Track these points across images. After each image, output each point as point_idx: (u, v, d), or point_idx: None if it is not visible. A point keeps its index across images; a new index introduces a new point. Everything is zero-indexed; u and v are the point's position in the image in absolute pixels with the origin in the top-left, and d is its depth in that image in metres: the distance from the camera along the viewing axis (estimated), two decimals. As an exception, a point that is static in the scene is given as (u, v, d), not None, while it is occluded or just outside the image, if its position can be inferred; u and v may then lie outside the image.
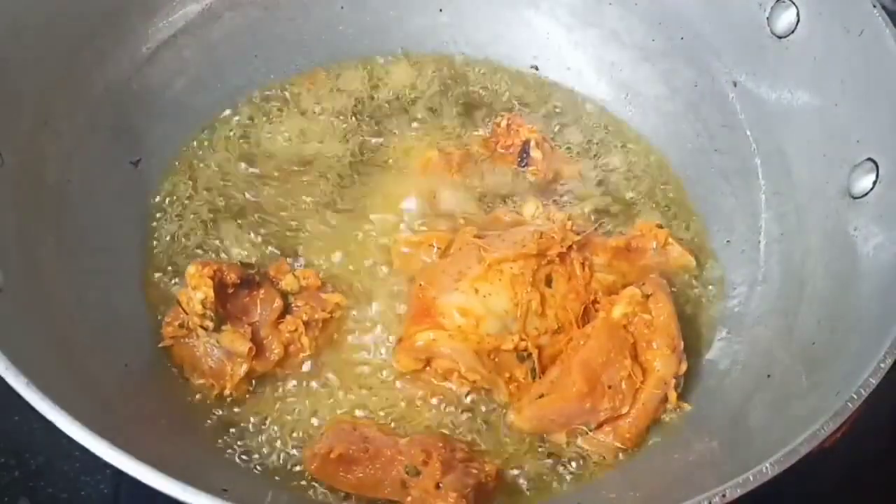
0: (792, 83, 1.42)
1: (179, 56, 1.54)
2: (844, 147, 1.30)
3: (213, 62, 1.57)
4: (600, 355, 1.24)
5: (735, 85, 1.52)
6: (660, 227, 1.44)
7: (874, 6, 1.26)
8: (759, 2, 1.43)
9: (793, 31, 1.39)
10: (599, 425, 1.24)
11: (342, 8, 1.67)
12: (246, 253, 1.39)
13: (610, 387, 1.23)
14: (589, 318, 1.30)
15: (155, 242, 1.40)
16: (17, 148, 1.23)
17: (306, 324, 1.29)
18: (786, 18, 1.39)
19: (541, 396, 1.23)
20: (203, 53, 1.56)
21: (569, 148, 1.59)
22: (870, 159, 1.25)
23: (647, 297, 1.30)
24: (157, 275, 1.36)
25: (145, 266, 1.37)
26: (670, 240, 1.42)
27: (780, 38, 1.41)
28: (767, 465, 0.94)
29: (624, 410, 1.24)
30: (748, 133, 1.51)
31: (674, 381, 1.26)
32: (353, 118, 1.59)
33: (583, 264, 1.32)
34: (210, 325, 1.22)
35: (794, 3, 1.38)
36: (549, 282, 1.29)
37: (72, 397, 0.97)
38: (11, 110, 1.24)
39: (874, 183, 1.24)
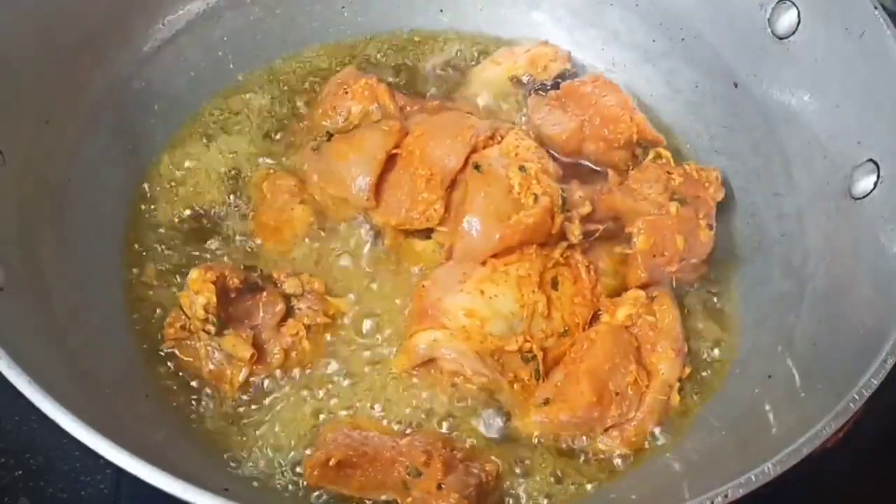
0: (792, 84, 1.42)
1: (180, 56, 1.54)
2: (845, 148, 1.30)
3: (214, 62, 1.58)
4: (606, 362, 1.25)
5: (736, 86, 1.52)
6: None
7: (875, 7, 1.26)
8: (760, 3, 1.43)
9: (794, 32, 1.39)
10: (605, 430, 1.25)
11: (342, 8, 1.67)
12: (245, 254, 1.39)
13: (617, 394, 1.24)
14: (593, 322, 1.31)
15: (155, 242, 1.40)
16: (19, 147, 1.23)
17: (307, 327, 1.29)
18: (787, 19, 1.40)
19: (546, 401, 1.23)
20: (204, 53, 1.57)
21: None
22: (871, 160, 1.25)
23: (652, 299, 1.30)
24: (157, 275, 1.36)
25: (145, 265, 1.37)
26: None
27: (780, 39, 1.41)
28: (769, 464, 0.94)
29: (631, 416, 1.24)
30: (748, 134, 1.51)
31: (677, 383, 1.27)
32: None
33: (588, 268, 1.33)
34: (212, 329, 1.22)
35: (794, 4, 1.38)
36: (555, 284, 1.29)
37: (72, 396, 0.97)
38: (13, 110, 1.24)
39: (875, 184, 1.24)
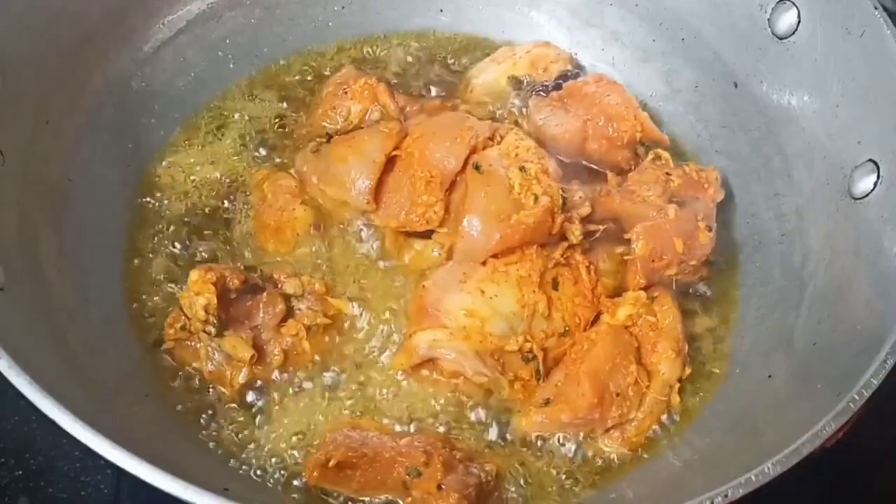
0: (792, 84, 1.42)
1: (180, 56, 1.54)
2: (845, 148, 1.30)
3: (214, 62, 1.58)
4: (607, 362, 1.24)
5: (736, 86, 1.52)
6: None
7: (875, 7, 1.26)
8: (760, 3, 1.43)
9: (793, 33, 1.39)
10: (606, 430, 1.25)
11: (342, 8, 1.67)
12: (245, 254, 1.39)
13: (618, 394, 1.23)
14: (594, 322, 1.31)
15: (155, 242, 1.40)
16: (19, 147, 1.24)
17: (308, 328, 1.29)
18: (787, 20, 1.40)
19: (546, 402, 1.23)
20: (204, 53, 1.57)
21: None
22: (871, 160, 1.25)
23: (652, 299, 1.30)
24: (157, 275, 1.36)
25: (145, 265, 1.37)
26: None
27: (780, 39, 1.41)
28: (770, 464, 0.94)
29: (631, 416, 1.24)
30: (748, 134, 1.51)
31: (678, 383, 1.27)
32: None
33: (588, 268, 1.33)
34: (212, 330, 1.22)
35: (794, 5, 1.38)
36: (555, 284, 1.29)
37: (72, 396, 0.97)
38: (13, 109, 1.24)
39: (875, 184, 1.24)
